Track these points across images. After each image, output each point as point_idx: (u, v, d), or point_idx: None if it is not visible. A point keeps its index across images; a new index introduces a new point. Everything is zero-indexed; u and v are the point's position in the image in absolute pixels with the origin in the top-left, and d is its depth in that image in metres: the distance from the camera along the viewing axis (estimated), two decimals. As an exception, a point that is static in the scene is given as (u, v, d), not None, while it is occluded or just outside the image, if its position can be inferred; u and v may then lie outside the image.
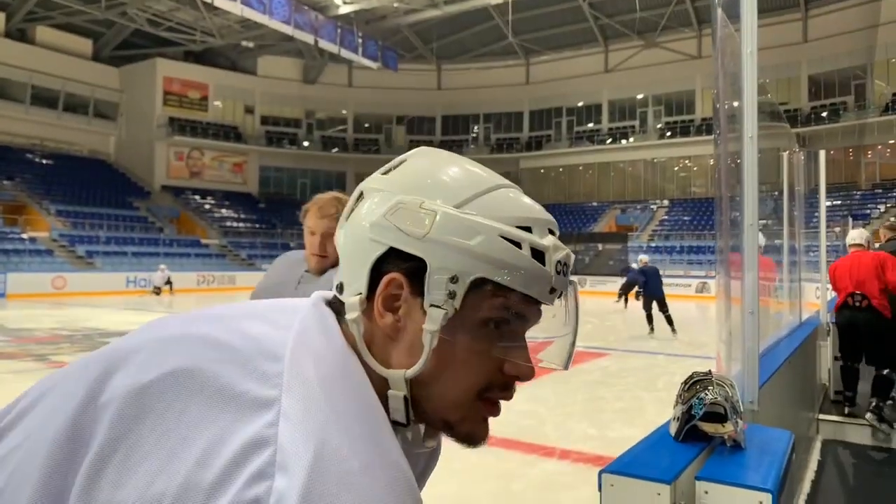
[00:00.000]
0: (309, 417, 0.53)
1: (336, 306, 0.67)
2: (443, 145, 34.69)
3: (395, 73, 35.02)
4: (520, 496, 3.99)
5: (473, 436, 0.67)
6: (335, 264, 2.20)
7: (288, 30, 27.80)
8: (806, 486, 4.04)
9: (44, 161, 31.43)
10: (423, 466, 0.79)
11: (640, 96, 35.97)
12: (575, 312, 0.69)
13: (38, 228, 26.43)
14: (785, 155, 5.18)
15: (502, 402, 0.67)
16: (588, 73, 36.78)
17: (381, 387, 0.63)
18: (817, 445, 4.97)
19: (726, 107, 2.61)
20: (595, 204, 36.58)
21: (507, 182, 0.69)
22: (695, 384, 1.85)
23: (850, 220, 14.55)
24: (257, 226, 34.60)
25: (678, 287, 24.76)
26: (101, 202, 29.97)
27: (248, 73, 36.63)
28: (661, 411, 6.39)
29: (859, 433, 5.16)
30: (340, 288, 0.67)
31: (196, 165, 35.23)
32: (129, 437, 0.54)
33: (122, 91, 34.41)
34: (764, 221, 4.01)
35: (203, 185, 35.29)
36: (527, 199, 0.68)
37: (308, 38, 28.99)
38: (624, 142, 36.15)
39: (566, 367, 0.70)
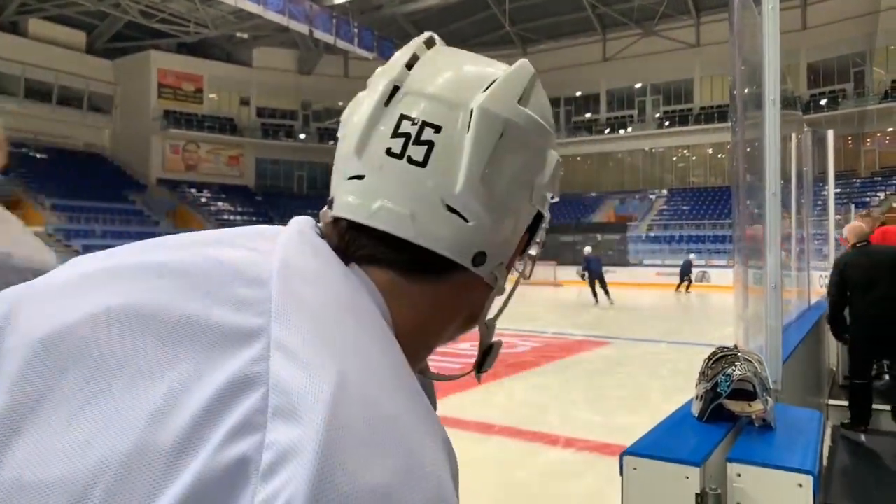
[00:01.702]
0: (316, 345, 0.39)
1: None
2: (440, 136, 34.48)
3: (392, 63, 34.78)
4: (524, 485, 3.87)
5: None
6: None
7: (282, 20, 27.53)
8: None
9: (38, 155, 31.16)
10: None
11: (638, 85, 35.74)
12: None
13: (34, 223, 26.20)
14: (793, 137, 5.06)
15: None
16: (586, 63, 36.54)
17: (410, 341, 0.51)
18: (828, 431, 4.85)
19: (745, 92, 2.52)
20: (594, 194, 36.41)
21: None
22: (720, 360, 1.71)
23: (853, 207, 14.42)
24: (254, 218, 34.39)
25: (678, 276, 24.63)
26: (96, 196, 29.76)
27: (244, 64, 36.35)
28: (667, 398, 6.29)
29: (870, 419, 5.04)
30: (482, 259, 0.53)
31: (192, 158, 35.00)
32: (50, 395, 0.39)
33: (116, 84, 34.11)
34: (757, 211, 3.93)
35: (199, 178, 35.05)
36: None
37: (303, 28, 28.73)
38: (622, 131, 35.94)
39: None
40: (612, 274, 25.62)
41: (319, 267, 0.47)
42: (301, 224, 0.52)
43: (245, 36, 33.99)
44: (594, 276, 17.01)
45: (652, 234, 31.79)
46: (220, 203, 34.66)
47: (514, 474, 4.04)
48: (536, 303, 17.04)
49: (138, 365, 0.39)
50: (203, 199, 34.29)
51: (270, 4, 26.70)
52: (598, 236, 30.89)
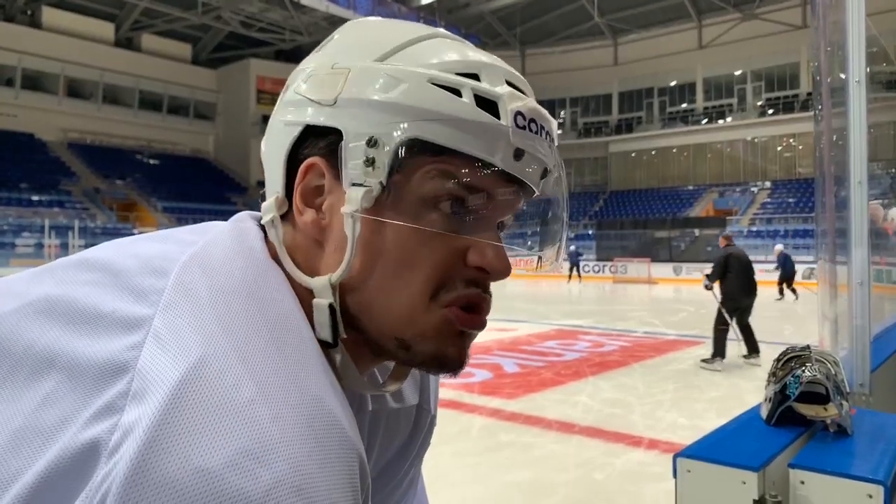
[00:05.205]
0: (187, 335, 0.40)
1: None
2: (529, 132, 34.32)
3: (479, 61, 34.82)
4: (601, 486, 3.78)
5: (440, 356, 0.51)
6: None
7: (372, 23, 28.26)
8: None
9: (151, 161, 33.56)
10: (404, 433, 0.65)
11: (737, 72, 34.01)
12: (562, 198, 0.54)
13: (147, 224, 28.24)
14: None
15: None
16: (680, 51, 35.14)
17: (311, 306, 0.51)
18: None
19: (828, 80, 2.36)
20: (691, 188, 35.01)
21: (454, 35, 0.54)
22: (790, 360, 1.62)
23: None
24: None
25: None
26: (201, 198, 31.65)
27: (336, 68, 37.52)
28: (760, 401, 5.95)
29: None
30: (263, 197, 0.55)
31: (289, 161, 36.57)
32: None
33: (218, 92, 36.13)
34: (879, 202, 3.66)
35: (296, 180, 36.56)
36: (479, 51, 0.53)
37: (392, 30, 29.37)
38: (721, 121, 34.34)
39: (555, 260, 0.55)
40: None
41: (229, 255, 0.48)
42: (243, 215, 0.56)
43: (337, 40, 35.12)
44: (573, 262, 25.20)
45: (754, 228, 30.19)
46: (315, 203, 36.08)
47: (591, 474, 3.96)
48: (627, 301, 16.61)
49: (42, 350, 0.42)
50: (299, 200, 35.76)
51: (360, 9, 27.46)
52: (696, 231, 29.69)
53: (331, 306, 0.49)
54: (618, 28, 36.23)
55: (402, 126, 0.48)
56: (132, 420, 0.37)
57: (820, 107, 2.41)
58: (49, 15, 30.34)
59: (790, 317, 13.15)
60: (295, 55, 36.34)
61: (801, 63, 31.93)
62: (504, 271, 0.50)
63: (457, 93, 0.48)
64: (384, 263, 0.49)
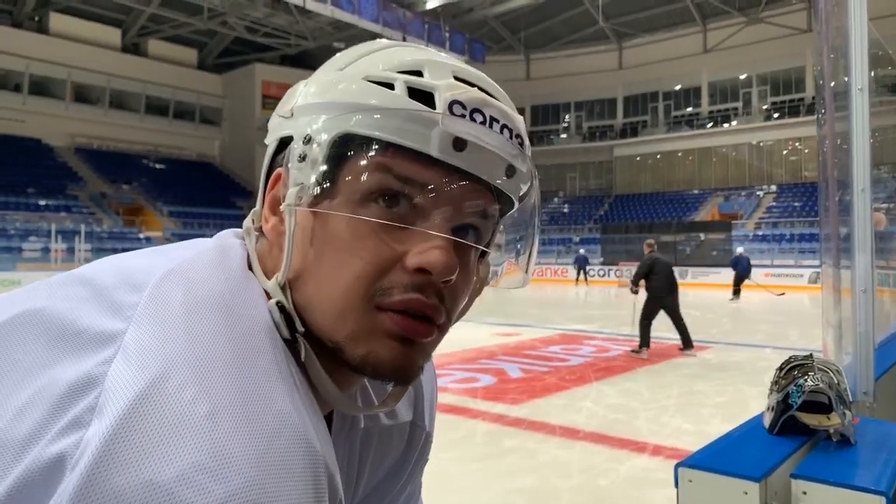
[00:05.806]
0: (151, 349, 0.40)
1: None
2: (532, 136, 34.39)
3: (483, 65, 34.80)
4: (606, 492, 3.77)
5: (372, 358, 0.48)
6: None
7: (376, 28, 28.25)
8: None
9: (157, 165, 33.66)
10: (397, 450, 0.65)
11: (742, 76, 33.94)
12: (534, 206, 0.53)
13: (154, 228, 28.33)
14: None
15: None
16: (685, 55, 35.10)
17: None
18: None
19: (832, 85, 2.36)
20: (696, 192, 34.91)
21: (425, 47, 0.54)
22: (792, 369, 1.61)
23: None
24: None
25: (789, 277, 23.23)
26: (207, 203, 31.73)
27: (341, 73, 37.58)
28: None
29: None
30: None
31: (294, 165, 36.65)
32: None
33: (224, 97, 36.26)
34: (885, 205, 3.64)
35: (301, 185, 36.62)
36: (441, 55, 0.53)
37: (396, 35, 29.36)
38: (726, 125, 34.25)
39: (524, 278, 0.53)
40: (715, 275, 24.58)
41: (207, 269, 0.48)
42: (233, 230, 0.57)
43: (342, 45, 35.15)
44: (580, 266, 26.50)
45: (760, 232, 30.08)
46: (320, 207, 36.12)
47: (596, 480, 3.95)
48: (631, 306, 16.52)
49: (27, 364, 0.42)
50: (304, 204, 35.80)
51: (365, 14, 27.49)
52: (701, 235, 29.60)
53: (278, 304, 0.49)
54: (622, 32, 36.21)
55: (338, 125, 0.48)
56: (92, 434, 0.37)
57: (823, 111, 2.40)
58: (56, 21, 30.52)
59: (798, 321, 13.07)
60: (300, 60, 36.44)
61: (807, 67, 31.86)
62: (445, 268, 0.46)
63: (391, 87, 0.48)
64: (318, 257, 0.48)
